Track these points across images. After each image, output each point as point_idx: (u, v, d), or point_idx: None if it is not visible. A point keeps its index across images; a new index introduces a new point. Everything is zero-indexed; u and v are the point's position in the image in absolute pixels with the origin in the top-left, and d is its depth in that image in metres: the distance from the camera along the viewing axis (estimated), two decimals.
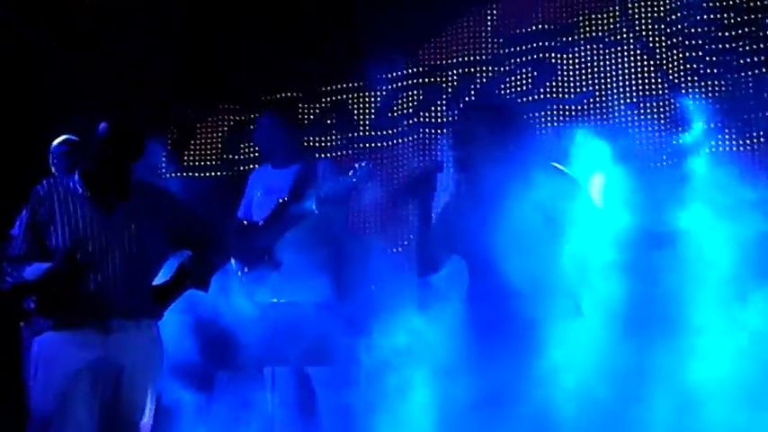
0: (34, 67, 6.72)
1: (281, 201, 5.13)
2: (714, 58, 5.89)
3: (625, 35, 6.19)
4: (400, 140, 6.76)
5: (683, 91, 5.99)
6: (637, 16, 6.19)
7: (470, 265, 3.67)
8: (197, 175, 7.27)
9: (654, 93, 6.08)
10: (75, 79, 6.75)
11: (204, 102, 7.28)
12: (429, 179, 3.68)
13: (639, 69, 6.14)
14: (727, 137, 5.82)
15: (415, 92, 6.85)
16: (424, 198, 3.68)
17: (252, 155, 7.19)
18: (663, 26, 6.14)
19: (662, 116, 6.02)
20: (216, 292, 4.15)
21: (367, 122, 6.93)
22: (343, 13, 6.62)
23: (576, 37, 6.42)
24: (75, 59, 6.68)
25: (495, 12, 6.74)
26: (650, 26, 6.16)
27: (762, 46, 5.88)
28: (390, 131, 6.81)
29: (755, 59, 5.89)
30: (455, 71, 6.76)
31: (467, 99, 6.56)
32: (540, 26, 6.57)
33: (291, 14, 6.77)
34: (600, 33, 6.30)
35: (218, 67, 6.97)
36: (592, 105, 6.22)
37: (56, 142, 5.03)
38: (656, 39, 6.14)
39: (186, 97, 7.14)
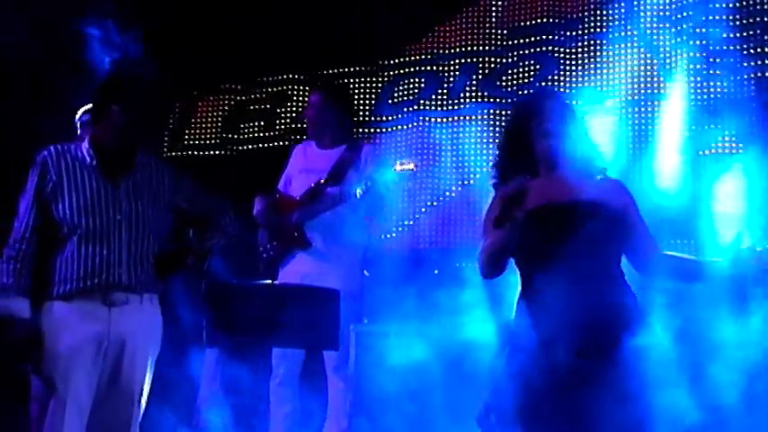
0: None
1: (321, 182, 5.06)
2: (717, 60, 5.91)
3: (629, 32, 6.21)
4: (400, 127, 6.75)
5: (685, 90, 6.02)
6: (642, 14, 6.20)
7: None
8: (197, 153, 7.26)
9: (655, 90, 6.10)
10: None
11: (206, 81, 7.26)
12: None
13: (642, 67, 6.16)
14: (725, 138, 5.85)
15: (417, 79, 6.85)
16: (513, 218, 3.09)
17: (252, 134, 7.18)
18: (668, 25, 6.16)
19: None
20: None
21: (368, 108, 6.93)
22: None
23: (579, 32, 6.44)
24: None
25: (499, 3, 6.76)
26: (655, 24, 6.18)
27: (766, 50, 5.92)
28: (391, 118, 6.81)
29: (759, 63, 5.93)
30: (458, 60, 6.77)
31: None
32: (544, 20, 6.59)
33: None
34: (604, 29, 6.32)
35: (220, 47, 6.94)
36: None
37: (82, 111, 4.87)
38: (661, 37, 6.16)
39: (188, 76, 7.11)
